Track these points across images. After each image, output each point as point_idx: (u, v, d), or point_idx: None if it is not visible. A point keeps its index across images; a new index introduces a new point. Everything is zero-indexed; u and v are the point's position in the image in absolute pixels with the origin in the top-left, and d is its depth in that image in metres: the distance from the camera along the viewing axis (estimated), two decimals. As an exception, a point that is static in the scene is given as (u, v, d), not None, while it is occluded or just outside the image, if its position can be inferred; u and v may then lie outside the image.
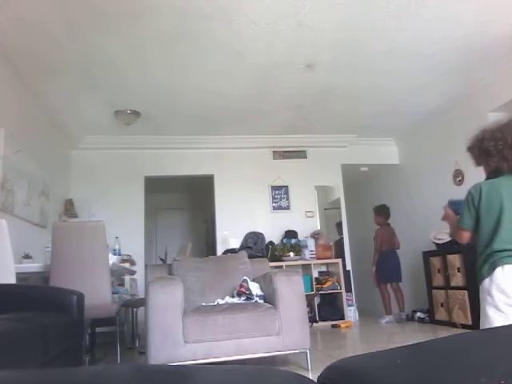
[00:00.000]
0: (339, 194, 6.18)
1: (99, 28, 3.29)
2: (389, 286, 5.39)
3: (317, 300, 5.40)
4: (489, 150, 1.69)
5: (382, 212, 5.57)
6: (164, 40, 3.51)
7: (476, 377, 0.48)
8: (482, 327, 1.58)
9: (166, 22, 3.26)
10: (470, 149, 1.82)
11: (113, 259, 3.51)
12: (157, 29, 3.35)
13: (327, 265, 5.83)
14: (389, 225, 5.59)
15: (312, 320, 4.90)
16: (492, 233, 1.60)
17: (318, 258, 5.56)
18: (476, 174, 2.04)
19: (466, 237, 1.74)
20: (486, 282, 1.55)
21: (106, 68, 3.91)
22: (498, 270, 1.52)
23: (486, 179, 1.75)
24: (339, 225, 6.19)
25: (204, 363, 2.47)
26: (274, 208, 5.94)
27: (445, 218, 1.91)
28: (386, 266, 5.33)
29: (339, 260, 5.65)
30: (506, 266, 1.50)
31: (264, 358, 2.72)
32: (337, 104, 4.99)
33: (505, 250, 1.53)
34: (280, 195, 5.98)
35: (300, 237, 5.69)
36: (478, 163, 1.79)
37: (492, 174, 1.72)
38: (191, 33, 3.42)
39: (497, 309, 1.51)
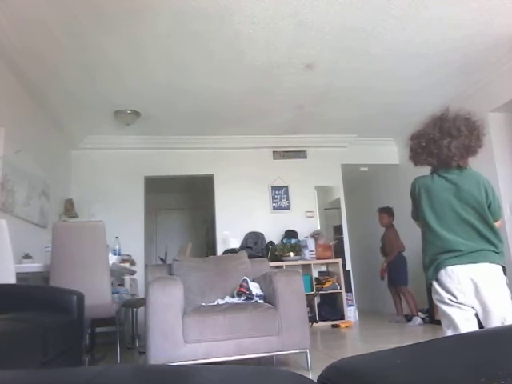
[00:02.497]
0: (339, 194, 6.17)
1: (99, 28, 3.30)
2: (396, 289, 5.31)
3: (317, 300, 5.39)
4: (414, 149, 1.75)
5: (392, 213, 5.49)
6: (164, 40, 3.51)
7: (476, 377, 0.48)
8: (442, 324, 1.65)
9: (166, 21, 3.26)
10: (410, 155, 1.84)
11: (113, 259, 3.50)
12: (157, 28, 3.35)
13: (327, 265, 5.83)
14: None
15: (312, 320, 4.89)
16: (430, 232, 1.65)
17: (318, 258, 5.56)
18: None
19: (419, 226, 1.78)
20: (434, 283, 1.62)
21: (105, 68, 3.91)
22: (442, 273, 1.58)
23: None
24: (337, 228, 6.17)
25: (204, 363, 2.47)
26: (274, 208, 5.94)
27: None
28: (407, 269, 5.21)
29: (339, 260, 5.65)
30: (449, 268, 1.56)
31: (264, 357, 2.73)
32: (337, 104, 4.98)
33: (445, 252, 1.58)
34: (280, 195, 5.98)
35: (300, 237, 5.69)
36: (415, 163, 1.83)
37: (432, 170, 1.75)
38: (191, 33, 3.42)
39: (448, 305, 1.59)
